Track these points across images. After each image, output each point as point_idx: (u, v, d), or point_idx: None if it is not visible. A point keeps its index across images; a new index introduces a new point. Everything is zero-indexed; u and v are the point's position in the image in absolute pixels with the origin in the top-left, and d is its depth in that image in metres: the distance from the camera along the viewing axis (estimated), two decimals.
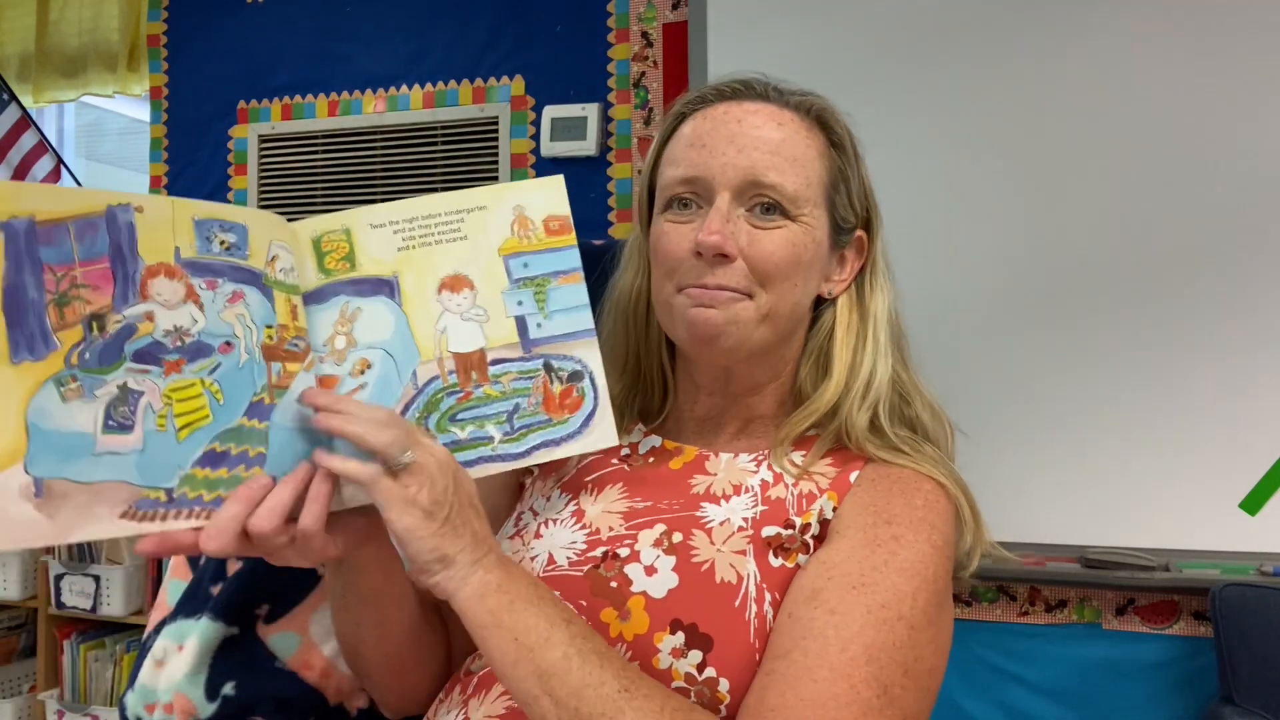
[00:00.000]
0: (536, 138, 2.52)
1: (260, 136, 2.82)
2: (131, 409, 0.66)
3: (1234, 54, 1.89)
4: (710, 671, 0.71)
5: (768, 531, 0.77)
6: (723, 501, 0.80)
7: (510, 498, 0.93)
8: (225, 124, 2.87)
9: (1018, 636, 2.00)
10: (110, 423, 0.65)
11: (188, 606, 0.97)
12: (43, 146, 2.90)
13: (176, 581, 1.02)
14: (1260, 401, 1.86)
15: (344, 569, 0.78)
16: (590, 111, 2.46)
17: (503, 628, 0.68)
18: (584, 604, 0.76)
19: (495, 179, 2.57)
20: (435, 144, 2.64)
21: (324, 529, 0.68)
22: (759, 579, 0.74)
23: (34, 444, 0.62)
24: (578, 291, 0.80)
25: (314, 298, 0.75)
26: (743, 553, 0.76)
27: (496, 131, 2.58)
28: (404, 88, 2.68)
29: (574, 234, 0.81)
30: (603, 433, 0.80)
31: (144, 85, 2.98)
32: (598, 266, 1.16)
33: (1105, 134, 1.96)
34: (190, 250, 0.69)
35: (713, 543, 0.76)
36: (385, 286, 0.77)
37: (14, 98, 2.85)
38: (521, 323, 0.78)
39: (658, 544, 0.77)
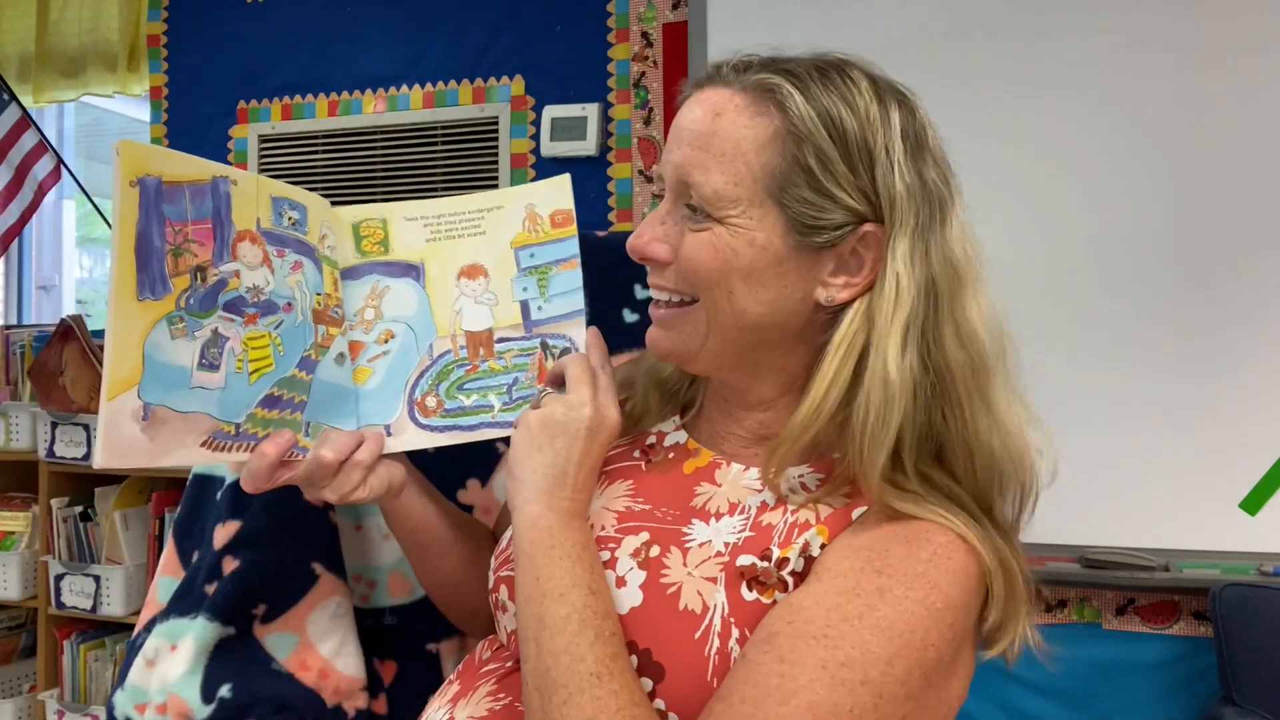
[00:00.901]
0: (536, 138, 2.52)
1: (260, 136, 2.82)
2: (219, 351, 0.75)
3: (1234, 54, 1.89)
4: (659, 704, 0.67)
5: (743, 561, 0.70)
6: (713, 520, 0.75)
7: None
8: (225, 124, 2.87)
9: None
10: (203, 361, 0.74)
11: (181, 605, 0.96)
12: (43, 146, 2.90)
13: (168, 579, 1.00)
14: (1260, 401, 1.86)
15: (386, 514, 0.90)
16: (590, 111, 2.46)
17: (534, 564, 0.71)
18: None
19: (495, 179, 2.57)
20: (435, 144, 2.64)
21: (371, 468, 0.80)
22: (726, 612, 0.69)
23: (148, 373, 0.71)
24: (574, 276, 0.89)
25: (350, 274, 0.86)
26: (713, 580, 0.70)
27: (496, 131, 2.58)
28: (404, 88, 2.68)
29: (575, 225, 0.90)
30: None
31: (144, 85, 2.98)
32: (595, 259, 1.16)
33: (1107, 134, 1.96)
34: (268, 222, 0.79)
35: (685, 565, 0.72)
36: (413, 270, 0.88)
37: (14, 98, 2.85)
38: (525, 306, 0.88)
39: (635, 554, 0.74)
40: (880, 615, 0.64)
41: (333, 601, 0.98)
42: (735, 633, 0.68)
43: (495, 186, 2.57)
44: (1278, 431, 1.85)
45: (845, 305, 0.72)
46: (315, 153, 2.76)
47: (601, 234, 1.17)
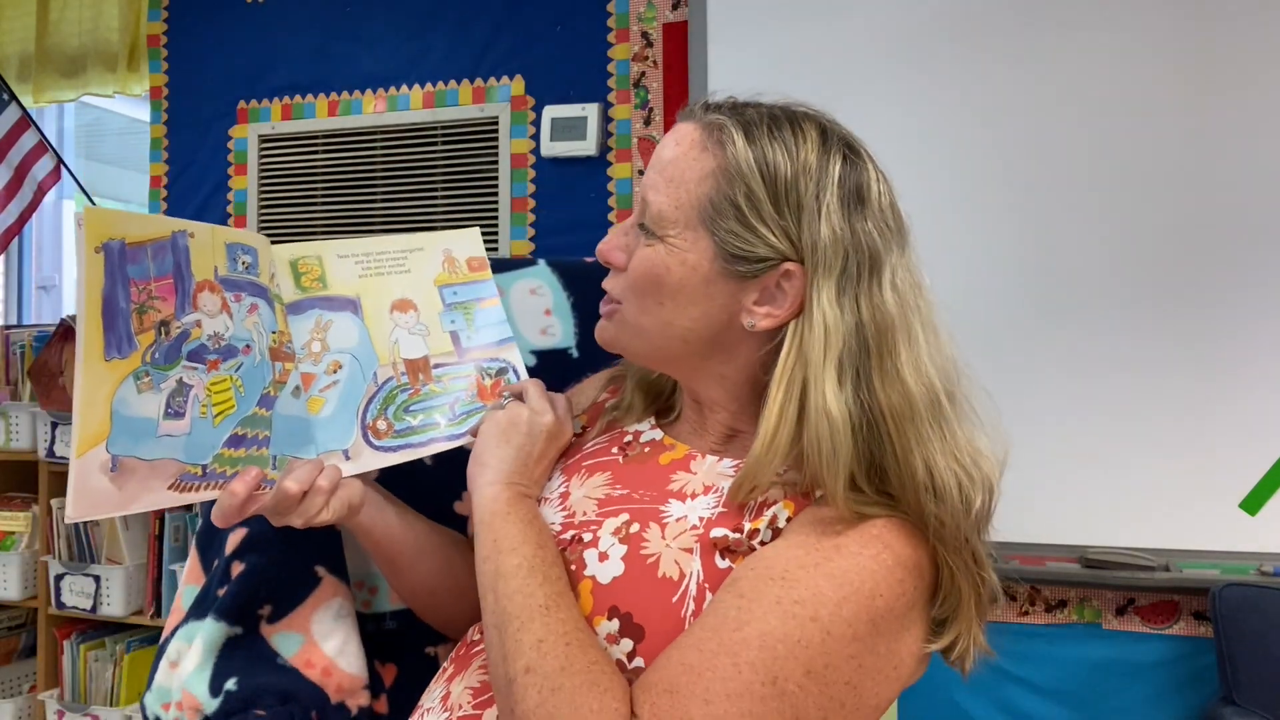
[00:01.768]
0: (536, 138, 2.53)
1: (260, 136, 2.82)
2: (184, 399, 0.79)
3: (1238, 52, 1.90)
4: (639, 662, 0.73)
5: (716, 533, 0.76)
6: (688, 499, 0.80)
7: None
8: (225, 124, 2.87)
9: (1018, 636, 2.00)
10: (169, 410, 0.78)
11: (198, 610, 0.99)
12: (43, 146, 2.90)
13: (191, 587, 1.04)
14: (1260, 402, 1.86)
15: (351, 531, 0.94)
16: (590, 111, 2.46)
17: (491, 529, 0.80)
18: None
19: (495, 179, 2.57)
20: (435, 144, 2.64)
21: (331, 491, 0.84)
22: (702, 578, 0.74)
23: (115, 427, 0.74)
24: (496, 311, 1.00)
25: (293, 309, 0.91)
26: (689, 550, 0.76)
27: (496, 131, 2.58)
28: (404, 88, 2.68)
29: (489, 270, 1.01)
30: None
31: (144, 85, 2.98)
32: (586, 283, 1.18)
33: (1106, 135, 1.96)
34: (224, 269, 0.83)
35: (664, 538, 0.77)
36: (350, 304, 0.93)
37: (14, 98, 2.85)
38: (455, 336, 0.97)
39: (616, 532, 0.79)
40: (835, 565, 0.71)
41: (335, 602, 0.99)
42: (709, 597, 0.73)
43: (496, 186, 2.58)
44: (1278, 432, 1.85)
45: (782, 340, 0.77)
46: (315, 153, 2.76)
47: (590, 259, 1.20)
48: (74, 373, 0.74)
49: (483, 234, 1.04)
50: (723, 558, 0.75)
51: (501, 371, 0.98)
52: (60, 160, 2.94)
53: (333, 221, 2.74)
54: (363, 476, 0.90)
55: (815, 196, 0.76)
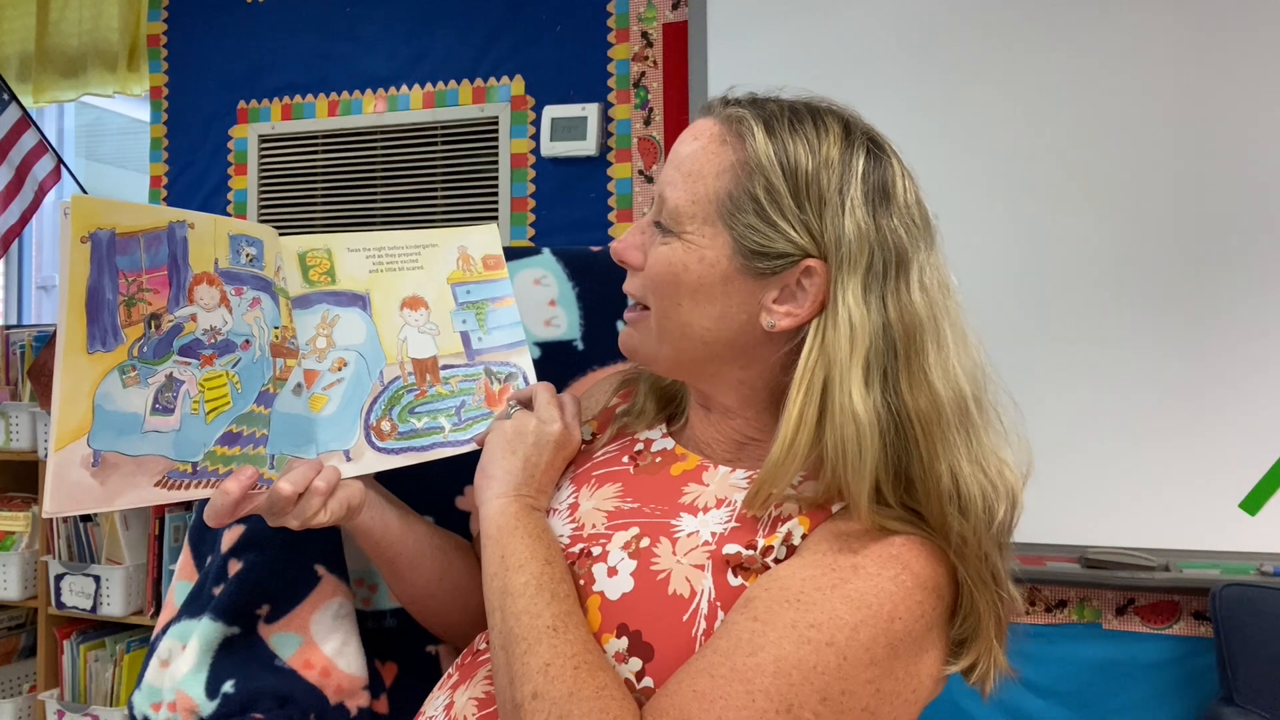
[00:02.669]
0: (536, 138, 2.52)
1: (260, 136, 2.82)
2: (174, 395, 0.77)
3: (1235, 55, 1.90)
4: (648, 681, 0.71)
5: (729, 549, 0.74)
6: (700, 514, 0.78)
7: None
8: (225, 124, 2.87)
9: (1017, 637, 2.00)
10: (157, 406, 0.76)
11: (191, 607, 0.98)
12: (43, 146, 2.90)
13: (183, 583, 1.03)
14: (1260, 402, 1.86)
15: (351, 532, 0.92)
16: (590, 111, 2.46)
17: (499, 544, 0.78)
18: None
19: (495, 179, 2.57)
20: (435, 144, 2.64)
21: (329, 493, 0.82)
22: (713, 596, 0.72)
23: (97, 422, 0.72)
24: (510, 312, 0.97)
25: (300, 303, 0.88)
26: (700, 567, 0.74)
27: (496, 131, 2.58)
28: (404, 88, 2.68)
29: (506, 269, 0.98)
30: None
31: (144, 85, 2.98)
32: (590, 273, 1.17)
33: (1106, 134, 1.96)
34: (225, 261, 0.81)
35: (674, 553, 0.75)
36: (359, 300, 0.91)
37: (14, 98, 2.85)
38: (465, 337, 0.95)
39: (626, 547, 0.77)
40: (851, 588, 0.68)
41: (335, 602, 0.99)
42: (721, 615, 0.71)
43: (496, 186, 2.57)
44: (1278, 432, 1.85)
45: (802, 340, 0.75)
46: (315, 153, 2.76)
47: (596, 249, 1.18)
48: (54, 365, 0.72)
49: None
50: (735, 575, 0.73)
51: (510, 377, 0.95)
52: (60, 160, 2.94)
53: (333, 222, 2.74)
54: (363, 477, 0.89)
55: (838, 191, 0.74)
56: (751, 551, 0.73)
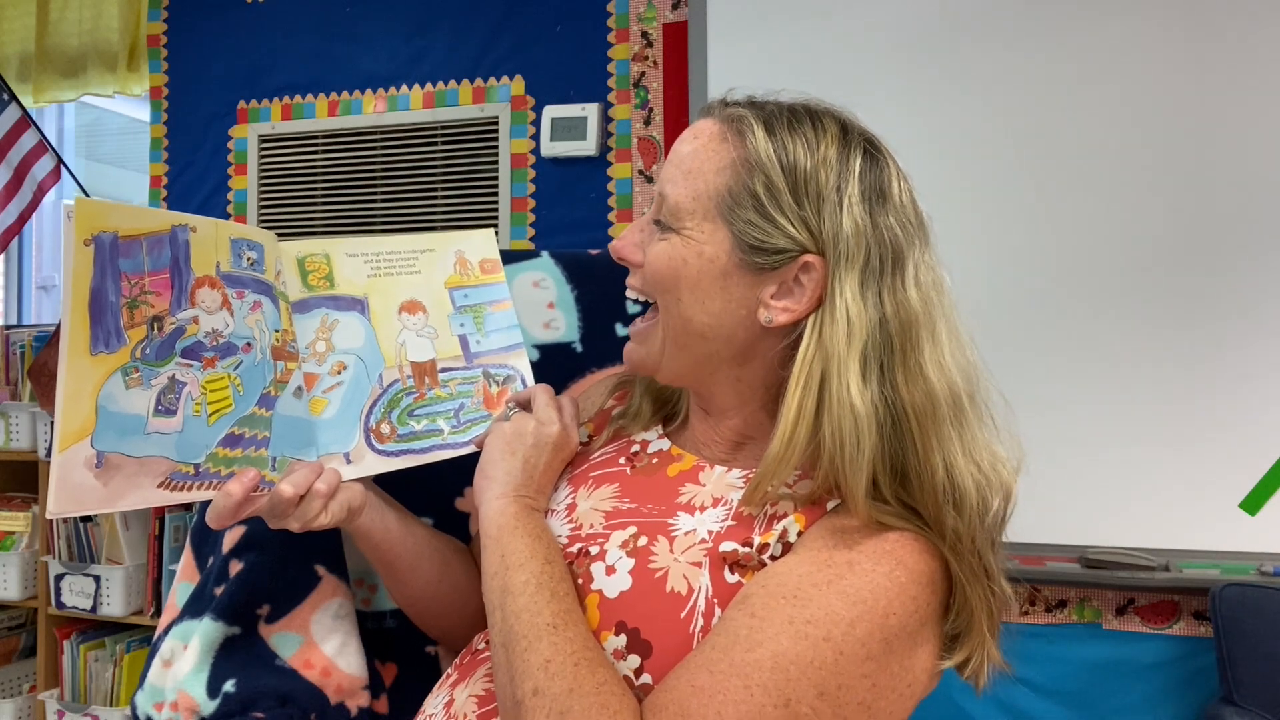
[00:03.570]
0: (536, 138, 2.52)
1: (260, 136, 2.82)
2: (177, 396, 0.78)
3: (1229, 61, 1.90)
4: (646, 678, 0.71)
5: (725, 547, 0.75)
6: (697, 512, 0.79)
7: None
8: (225, 124, 2.87)
9: (1017, 636, 2.00)
10: (160, 407, 0.77)
11: (193, 608, 0.99)
12: (43, 146, 2.90)
13: (185, 584, 1.03)
14: (1260, 402, 1.86)
15: (350, 534, 0.93)
16: (590, 111, 2.46)
17: (499, 544, 0.79)
18: None
19: (495, 179, 2.57)
20: (435, 144, 2.64)
21: (330, 495, 0.83)
22: (710, 593, 0.73)
23: (101, 423, 0.73)
24: (508, 315, 0.98)
25: (299, 307, 0.89)
26: (698, 565, 0.75)
27: (496, 131, 2.58)
28: (404, 88, 2.68)
29: (503, 272, 1.00)
30: None
31: (144, 85, 2.98)
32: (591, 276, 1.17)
33: (1105, 132, 1.96)
34: (227, 265, 0.82)
35: (672, 551, 0.76)
36: (358, 304, 0.92)
37: (14, 98, 2.85)
38: (464, 340, 0.96)
39: (624, 545, 0.78)
40: (847, 583, 0.69)
41: (335, 602, 0.99)
42: (718, 612, 0.72)
43: (496, 187, 2.57)
44: (1277, 432, 1.85)
45: (800, 336, 0.76)
46: (315, 153, 2.76)
47: (594, 252, 1.18)
48: (58, 367, 0.73)
49: None
50: (732, 572, 0.74)
51: (509, 379, 0.97)
52: (60, 160, 2.94)
53: (333, 222, 2.74)
54: (363, 479, 0.89)
55: (836, 189, 0.76)
56: (748, 549, 0.74)
